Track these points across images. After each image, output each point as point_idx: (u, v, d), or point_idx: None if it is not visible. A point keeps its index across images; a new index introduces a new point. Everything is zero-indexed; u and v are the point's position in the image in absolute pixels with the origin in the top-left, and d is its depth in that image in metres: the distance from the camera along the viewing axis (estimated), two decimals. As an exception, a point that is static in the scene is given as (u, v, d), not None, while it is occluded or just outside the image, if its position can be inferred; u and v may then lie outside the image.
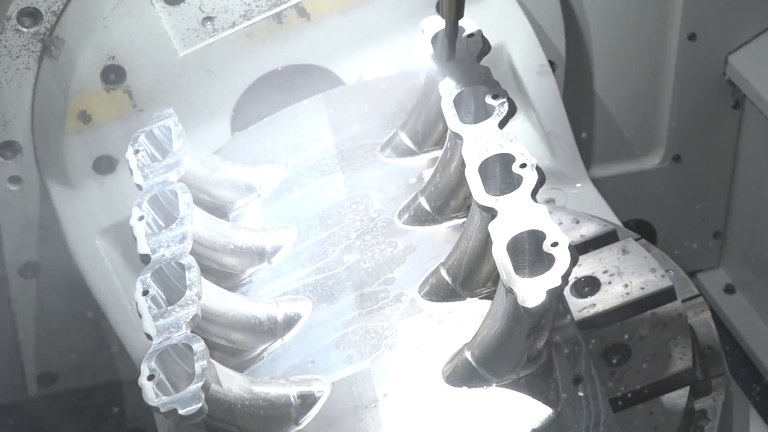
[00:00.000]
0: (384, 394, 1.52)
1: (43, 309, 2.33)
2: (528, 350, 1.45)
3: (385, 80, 2.04)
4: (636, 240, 1.76)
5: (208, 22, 2.09)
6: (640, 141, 2.57)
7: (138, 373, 2.01)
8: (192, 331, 1.47)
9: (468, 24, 1.73)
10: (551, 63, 2.30)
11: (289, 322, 1.67)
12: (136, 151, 1.76)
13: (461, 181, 1.64)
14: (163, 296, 1.55)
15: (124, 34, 2.06)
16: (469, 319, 1.55)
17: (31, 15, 2.11)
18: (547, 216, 1.43)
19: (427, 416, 1.49)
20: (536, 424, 1.42)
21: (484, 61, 1.69)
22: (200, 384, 1.39)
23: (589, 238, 1.75)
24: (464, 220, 1.67)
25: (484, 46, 1.70)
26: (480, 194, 1.49)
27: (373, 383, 1.54)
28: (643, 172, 2.59)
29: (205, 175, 1.80)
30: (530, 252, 1.43)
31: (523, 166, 1.49)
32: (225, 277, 1.74)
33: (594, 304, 1.63)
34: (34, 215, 2.24)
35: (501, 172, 1.53)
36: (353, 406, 1.52)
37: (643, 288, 1.65)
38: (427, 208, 1.72)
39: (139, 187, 1.72)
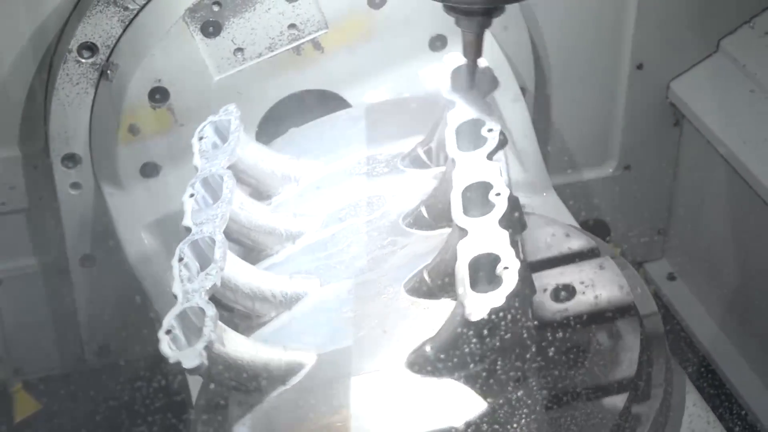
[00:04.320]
0: (357, 370, 1.50)
1: (99, 294, 2.34)
2: (475, 352, 1.42)
3: (416, 99, 2.02)
4: (613, 258, 1.72)
5: (239, 53, 2.09)
6: (597, 153, 2.59)
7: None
8: (211, 297, 1.47)
9: (481, 62, 1.70)
10: (522, 89, 2.31)
11: (297, 297, 1.65)
12: (201, 138, 1.76)
13: None
14: (197, 264, 1.55)
15: (169, 61, 2.06)
16: (440, 316, 1.52)
17: (89, 48, 2.11)
18: (507, 241, 1.41)
19: (385, 395, 1.47)
20: (474, 414, 1.40)
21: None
22: (204, 344, 1.39)
23: (575, 251, 1.72)
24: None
25: (492, 83, 1.69)
26: (457, 214, 1.48)
27: (350, 361, 1.52)
28: (599, 179, 2.60)
29: (253, 164, 1.80)
30: (487, 271, 1.41)
31: (498, 194, 1.48)
32: (255, 252, 1.74)
33: (566, 309, 1.62)
34: (91, 216, 2.25)
35: (480, 197, 1.52)
36: (330, 377, 1.51)
37: (609, 301, 1.61)
38: (426, 216, 1.70)
39: (196, 168, 1.71)
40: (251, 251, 1.73)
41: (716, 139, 2.38)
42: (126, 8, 2.09)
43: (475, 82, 1.69)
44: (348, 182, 1.82)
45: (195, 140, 1.77)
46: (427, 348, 1.47)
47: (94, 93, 2.14)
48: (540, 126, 2.35)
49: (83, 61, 2.12)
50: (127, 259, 2.16)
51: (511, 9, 2.24)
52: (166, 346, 1.41)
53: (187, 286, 1.49)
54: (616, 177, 2.61)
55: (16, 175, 2.26)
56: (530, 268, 1.65)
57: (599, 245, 1.74)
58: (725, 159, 2.36)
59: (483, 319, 1.35)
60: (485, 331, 1.38)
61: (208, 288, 1.48)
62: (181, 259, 1.54)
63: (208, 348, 1.40)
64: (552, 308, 1.61)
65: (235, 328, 1.56)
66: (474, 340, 1.40)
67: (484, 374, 1.43)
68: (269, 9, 2.08)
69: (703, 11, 2.44)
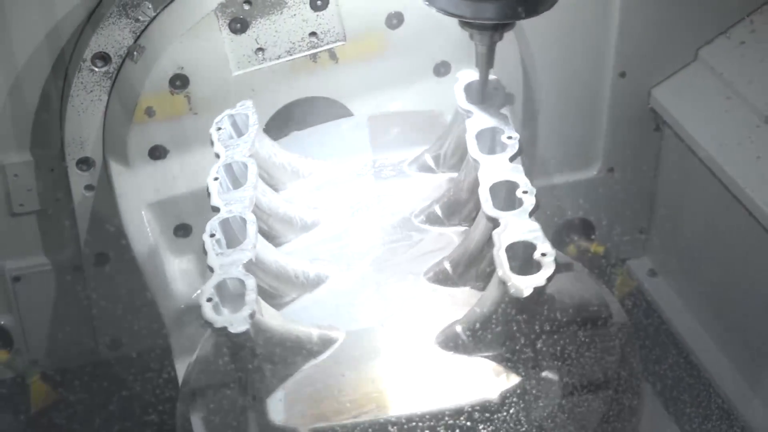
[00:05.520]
0: (385, 348, 1.56)
1: (111, 290, 2.36)
2: (509, 330, 1.48)
3: (414, 114, 2.07)
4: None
5: (260, 52, 2.11)
6: (582, 156, 2.60)
7: (165, 327, 2.04)
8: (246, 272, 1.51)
9: (493, 77, 1.78)
10: (511, 95, 2.21)
11: (319, 280, 1.68)
12: (218, 128, 1.80)
13: (470, 197, 1.72)
14: (225, 240, 1.58)
15: (193, 50, 2.08)
16: (462, 301, 1.60)
17: (102, 58, 2.13)
18: (540, 232, 1.51)
19: (418, 372, 1.52)
20: (499, 391, 1.47)
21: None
22: (250, 312, 1.42)
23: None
24: (466, 228, 1.73)
25: (507, 98, 1.78)
26: (489, 208, 1.56)
27: (379, 339, 1.57)
28: (584, 180, 2.61)
29: (267, 157, 1.84)
30: (522, 258, 1.49)
31: (525, 192, 1.57)
32: (271, 237, 1.77)
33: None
34: (105, 216, 2.27)
35: (506, 194, 1.60)
36: (362, 354, 1.55)
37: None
38: (439, 214, 1.77)
39: (217, 155, 1.75)
40: (267, 238, 1.76)
41: (695, 143, 2.41)
42: (137, 20, 2.12)
43: (488, 93, 1.76)
44: (357, 181, 1.87)
45: (213, 130, 1.80)
46: (458, 327, 1.53)
47: (107, 100, 2.16)
48: (528, 130, 2.38)
49: (96, 70, 2.14)
50: (125, 231, 2.18)
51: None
52: (210, 313, 1.44)
53: (223, 259, 1.53)
54: (600, 179, 2.62)
55: (34, 178, 2.28)
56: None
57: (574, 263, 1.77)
58: (703, 162, 2.39)
59: (522, 300, 1.42)
60: (522, 311, 1.45)
61: (245, 262, 1.52)
62: (212, 235, 1.58)
63: (252, 316, 1.43)
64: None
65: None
66: (510, 318, 1.46)
67: (514, 353, 1.49)
68: (295, 15, 2.11)
69: (682, 22, 2.46)
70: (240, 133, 1.81)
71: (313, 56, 2.13)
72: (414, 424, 1.47)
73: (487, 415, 1.46)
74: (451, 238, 1.72)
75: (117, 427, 2.39)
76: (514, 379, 1.49)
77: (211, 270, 1.52)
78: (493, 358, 1.51)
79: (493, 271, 1.50)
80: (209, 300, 1.46)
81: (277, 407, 1.50)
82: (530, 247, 1.48)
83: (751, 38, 2.45)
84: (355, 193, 1.85)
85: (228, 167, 1.72)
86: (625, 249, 2.71)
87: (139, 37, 2.13)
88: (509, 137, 1.68)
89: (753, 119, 2.34)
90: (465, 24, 1.71)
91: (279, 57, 2.12)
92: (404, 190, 1.84)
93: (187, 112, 2.11)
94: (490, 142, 1.71)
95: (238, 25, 2.08)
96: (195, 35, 2.08)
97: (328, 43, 2.13)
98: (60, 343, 2.48)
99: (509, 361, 1.50)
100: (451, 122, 1.86)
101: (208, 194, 1.67)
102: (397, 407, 1.48)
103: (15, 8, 2.11)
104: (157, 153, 2.14)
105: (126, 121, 2.14)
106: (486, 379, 1.49)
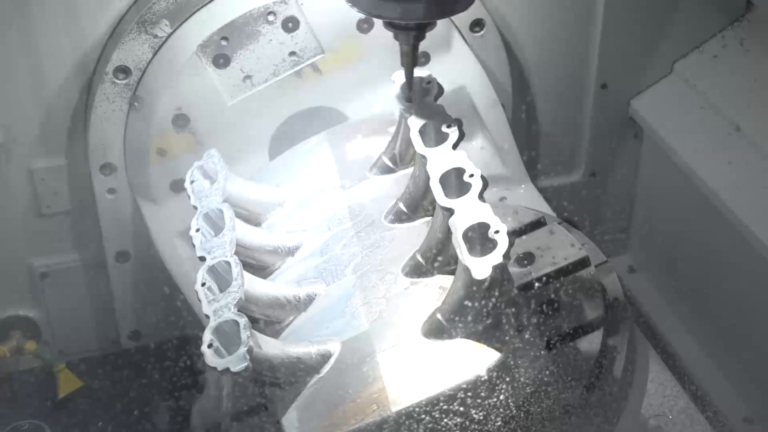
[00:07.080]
0: (380, 347, 1.55)
1: (132, 285, 2.40)
2: (482, 309, 1.47)
3: (371, 120, 2.09)
4: (559, 223, 1.78)
5: (248, 79, 2.15)
6: (566, 161, 2.64)
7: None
8: (238, 311, 1.52)
9: (425, 73, 1.77)
10: (502, 105, 2.35)
11: (309, 299, 1.69)
12: (192, 182, 1.82)
13: (427, 189, 1.68)
14: (216, 285, 1.58)
15: (187, 92, 2.13)
16: (439, 289, 1.59)
17: (123, 71, 2.17)
18: (491, 212, 1.49)
19: (409, 363, 1.52)
20: (492, 362, 1.46)
21: (448, 100, 1.77)
22: (245, 348, 1.44)
23: (526, 224, 1.76)
24: (431, 218, 1.73)
25: (439, 90, 1.77)
26: (441, 198, 1.55)
27: (371, 341, 1.57)
28: (568, 184, 2.65)
29: (242, 196, 1.89)
30: (480, 238, 1.48)
31: (471, 176, 1.55)
32: (261, 269, 1.81)
33: (530, 272, 1.65)
34: (125, 217, 2.31)
35: (456, 181, 1.58)
36: (358, 359, 1.55)
37: (566, 258, 1.66)
38: (405, 210, 1.77)
39: (195, 207, 1.76)
40: (256, 269, 1.78)
41: (671, 149, 2.45)
42: (155, 36, 2.17)
43: (415, 87, 1.76)
44: (326, 197, 1.88)
45: (187, 184, 1.80)
46: (438, 315, 1.52)
47: (128, 110, 2.21)
48: (517, 137, 2.41)
49: (118, 82, 2.19)
50: (161, 258, 2.22)
51: (494, 40, 2.36)
52: (211, 358, 1.45)
53: (215, 305, 1.53)
54: (583, 182, 2.65)
55: (60, 182, 2.32)
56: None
57: (545, 216, 1.78)
58: (679, 167, 2.43)
59: (484, 280, 1.41)
60: (490, 287, 1.45)
61: (235, 302, 1.53)
62: (203, 284, 1.58)
63: (250, 351, 1.45)
64: (517, 274, 1.63)
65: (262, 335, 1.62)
66: (480, 298, 1.46)
67: (490, 329, 1.49)
68: (271, 40, 2.14)
69: (659, 38, 2.51)
70: (213, 181, 1.81)
71: (298, 73, 2.17)
72: (415, 413, 1.46)
73: (482, 388, 1.46)
74: (419, 231, 1.72)
75: (137, 412, 2.42)
76: (494, 354, 1.48)
77: (207, 317, 1.52)
78: (474, 336, 1.50)
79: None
80: (210, 346, 1.46)
81: (292, 427, 1.50)
82: (485, 227, 1.47)
83: (723, 52, 2.50)
84: (328, 209, 1.85)
85: (206, 216, 1.72)
86: (606, 248, 2.60)
87: (156, 54, 2.17)
88: (449, 126, 1.66)
89: (725, 128, 2.39)
90: (388, 24, 1.69)
91: (266, 80, 2.15)
92: (371, 195, 1.84)
93: (195, 146, 2.15)
94: (434, 134, 1.69)
95: (221, 60, 2.12)
96: (184, 78, 2.10)
97: (308, 59, 2.15)
98: (84, 335, 2.52)
99: (489, 336, 1.49)
100: (398, 122, 1.86)
101: (193, 246, 1.67)
102: (397, 401, 1.48)
103: (44, 25, 2.16)
104: (178, 186, 2.16)
105: (143, 165, 2.19)
106: (474, 357, 1.48)
